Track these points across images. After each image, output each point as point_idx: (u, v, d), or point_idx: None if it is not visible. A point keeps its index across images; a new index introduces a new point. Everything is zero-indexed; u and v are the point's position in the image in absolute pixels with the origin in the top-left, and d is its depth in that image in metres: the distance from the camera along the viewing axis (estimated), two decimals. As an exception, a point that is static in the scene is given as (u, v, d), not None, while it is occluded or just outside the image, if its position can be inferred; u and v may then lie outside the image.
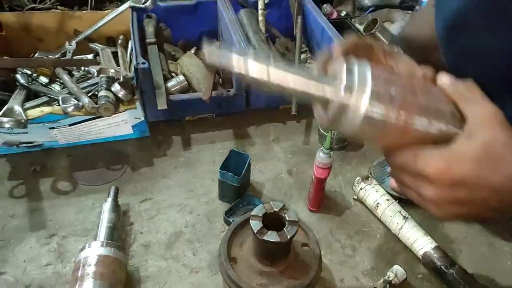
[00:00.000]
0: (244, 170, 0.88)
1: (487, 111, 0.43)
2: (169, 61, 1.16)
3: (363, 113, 0.41)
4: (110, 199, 0.83)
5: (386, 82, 0.42)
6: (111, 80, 0.96)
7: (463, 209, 0.44)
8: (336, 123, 0.43)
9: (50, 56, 1.16)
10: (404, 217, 0.82)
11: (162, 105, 0.96)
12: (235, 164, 0.90)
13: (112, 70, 0.94)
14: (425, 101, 0.44)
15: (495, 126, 0.42)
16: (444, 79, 0.47)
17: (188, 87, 1.09)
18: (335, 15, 1.52)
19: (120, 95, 0.92)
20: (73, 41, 1.16)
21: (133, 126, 1.01)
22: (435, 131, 0.43)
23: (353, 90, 0.41)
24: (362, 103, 0.41)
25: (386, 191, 0.89)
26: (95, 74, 0.97)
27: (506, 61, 0.64)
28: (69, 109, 0.90)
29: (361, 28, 1.34)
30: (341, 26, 1.39)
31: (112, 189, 0.85)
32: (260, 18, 1.25)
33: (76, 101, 0.92)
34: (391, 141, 0.45)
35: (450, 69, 0.77)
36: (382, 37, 1.26)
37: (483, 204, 0.43)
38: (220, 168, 0.87)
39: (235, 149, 0.92)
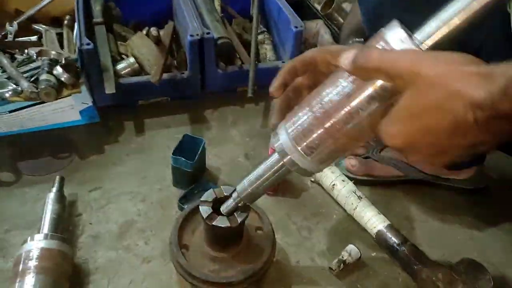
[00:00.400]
0: (197, 155, 0.85)
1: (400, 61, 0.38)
2: (119, 43, 1.10)
3: (309, 159, 0.46)
4: (54, 189, 0.78)
5: (303, 124, 0.46)
6: (53, 63, 0.90)
7: (442, 155, 0.40)
8: (308, 174, 0.49)
9: (-12, 38, 1.08)
10: (359, 197, 0.82)
11: (110, 88, 0.91)
12: (189, 149, 0.87)
13: (53, 52, 0.89)
14: (344, 103, 0.42)
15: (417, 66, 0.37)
16: (343, 61, 0.41)
17: (140, 70, 1.04)
18: (294, -5, 1.49)
19: (63, 79, 0.87)
20: (14, 22, 1.09)
21: (80, 112, 0.96)
22: (374, 112, 0.41)
23: (286, 151, 0.47)
24: (299, 155, 0.46)
25: (342, 172, 0.89)
26: (35, 57, 0.91)
27: None
28: (7, 95, 0.84)
29: (319, 7, 1.33)
30: (300, 5, 1.37)
31: (57, 179, 0.80)
32: (216, -4, 1.21)
33: (14, 86, 0.86)
34: (356, 144, 0.46)
35: None
36: (339, 17, 1.25)
37: (445, 136, 0.38)
38: (172, 154, 0.84)
39: (189, 134, 0.89)
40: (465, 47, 0.39)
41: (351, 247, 0.77)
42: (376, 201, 0.84)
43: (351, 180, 0.87)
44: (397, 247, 0.75)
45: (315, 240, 0.81)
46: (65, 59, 0.87)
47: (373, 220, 0.79)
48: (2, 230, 0.79)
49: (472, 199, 0.91)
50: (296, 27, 1.03)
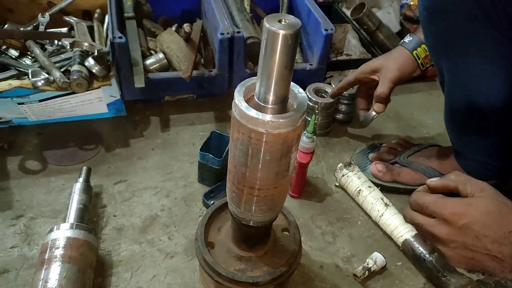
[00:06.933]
0: (225, 152, 0.85)
1: (481, 183, 0.55)
2: (148, 38, 1.10)
3: None
4: (81, 180, 0.78)
5: None
6: (85, 55, 0.90)
7: (468, 253, 0.52)
8: None
9: (21, 28, 1.09)
10: (385, 204, 0.81)
11: (139, 83, 0.92)
12: (216, 146, 0.87)
13: (86, 44, 0.89)
14: None
15: (492, 189, 0.54)
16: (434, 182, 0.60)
17: (168, 66, 1.04)
18: (322, -1, 1.49)
19: (94, 71, 0.87)
20: (47, 13, 1.10)
21: (108, 105, 0.96)
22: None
23: None
24: None
25: (368, 178, 0.88)
26: (68, 48, 0.91)
27: (482, 50, 0.63)
28: (39, 83, 0.85)
29: (348, 12, 1.32)
30: (329, 9, 1.36)
31: (84, 169, 0.81)
32: (245, -3, 1.20)
33: (46, 75, 0.86)
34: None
35: (430, 51, 0.76)
36: (369, 22, 1.24)
37: (485, 251, 0.51)
38: (200, 150, 0.84)
39: (216, 131, 0.89)
40: None
41: (376, 254, 0.75)
42: (402, 209, 0.82)
43: (378, 187, 0.86)
44: (425, 257, 0.73)
45: (339, 245, 0.80)
46: (97, 51, 0.87)
47: (400, 229, 0.77)
48: (27, 218, 0.79)
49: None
50: (327, 30, 1.02)
